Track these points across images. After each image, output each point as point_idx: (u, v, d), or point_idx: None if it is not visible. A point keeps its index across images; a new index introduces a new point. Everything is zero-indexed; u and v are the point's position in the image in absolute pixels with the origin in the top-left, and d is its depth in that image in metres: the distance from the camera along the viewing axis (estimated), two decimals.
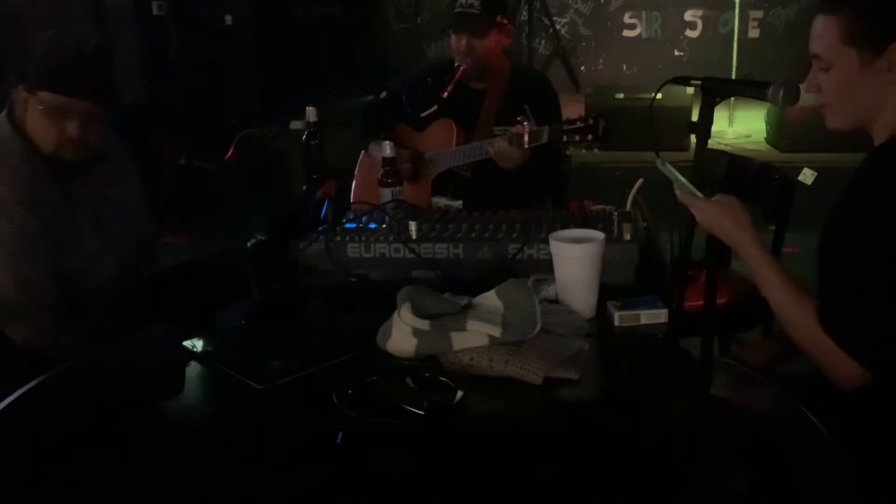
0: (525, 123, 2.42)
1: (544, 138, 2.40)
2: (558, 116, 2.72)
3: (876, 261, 1.48)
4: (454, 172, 2.75)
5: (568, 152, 2.45)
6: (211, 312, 2.33)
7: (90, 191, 2.15)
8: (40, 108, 1.98)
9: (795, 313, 1.58)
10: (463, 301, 1.65)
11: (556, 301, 1.78)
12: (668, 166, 1.77)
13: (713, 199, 1.72)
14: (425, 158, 2.79)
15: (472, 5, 2.69)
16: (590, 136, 2.32)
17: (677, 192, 1.78)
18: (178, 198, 5.03)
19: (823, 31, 1.59)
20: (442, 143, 2.77)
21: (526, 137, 2.42)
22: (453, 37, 2.76)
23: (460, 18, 2.72)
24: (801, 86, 1.68)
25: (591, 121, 2.33)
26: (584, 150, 2.38)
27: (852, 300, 1.50)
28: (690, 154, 1.86)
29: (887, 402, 1.51)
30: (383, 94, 2.94)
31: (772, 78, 1.77)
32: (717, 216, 1.70)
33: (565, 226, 2.01)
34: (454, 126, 2.76)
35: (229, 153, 5.14)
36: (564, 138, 2.36)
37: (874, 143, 1.61)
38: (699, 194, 1.74)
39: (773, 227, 2.39)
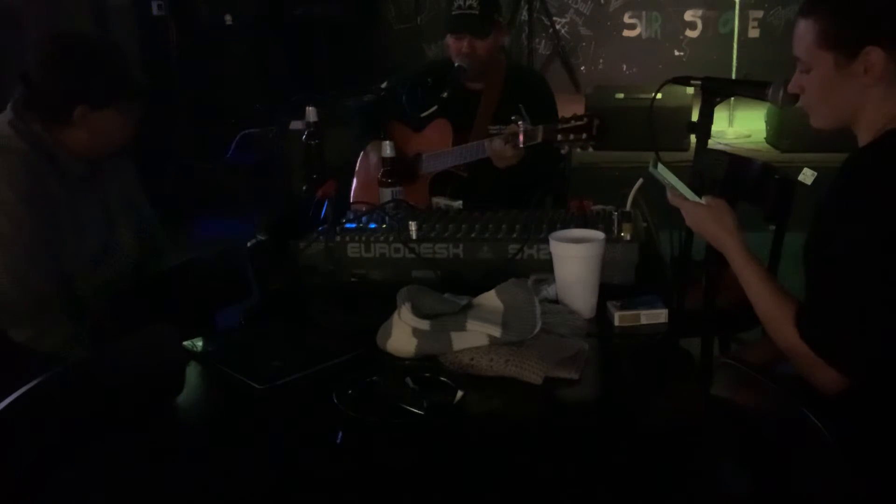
0: (520, 122, 2.42)
1: (539, 137, 2.39)
2: (554, 115, 2.71)
3: (852, 267, 1.48)
4: (452, 173, 2.75)
5: (563, 151, 2.45)
6: (211, 312, 2.33)
7: (94, 191, 2.15)
8: (120, 118, 2.07)
9: (775, 318, 1.58)
10: (463, 301, 1.65)
11: (556, 301, 1.78)
12: (661, 169, 1.77)
13: (702, 201, 1.73)
14: (423, 159, 2.79)
15: (470, 6, 2.68)
16: (584, 135, 2.31)
17: (669, 194, 1.79)
18: (178, 198, 5.04)
19: (802, 34, 1.59)
20: (439, 144, 2.77)
21: (521, 136, 2.42)
22: (451, 39, 2.74)
23: (461, 20, 2.70)
24: (789, 86, 1.69)
25: (585, 119, 2.32)
26: (579, 150, 2.37)
27: (829, 306, 1.50)
28: (690, 154, 1.86)
29: (885, 402, 1.51)
30: (382, 94, 2.94)
31: (772, 78, 1.77)
32: (704, 219, 1.72)
33: (565, 226, 2.01)
34: (450, 126, 2.75)
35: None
36: (559, 137, 2.35)
37: (858, 145, 1.61)
38: (691, 196, 1.75)
39: (773, 227, 2.39)
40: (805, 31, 1.58)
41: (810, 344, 1.50)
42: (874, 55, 1.51)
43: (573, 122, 2.33)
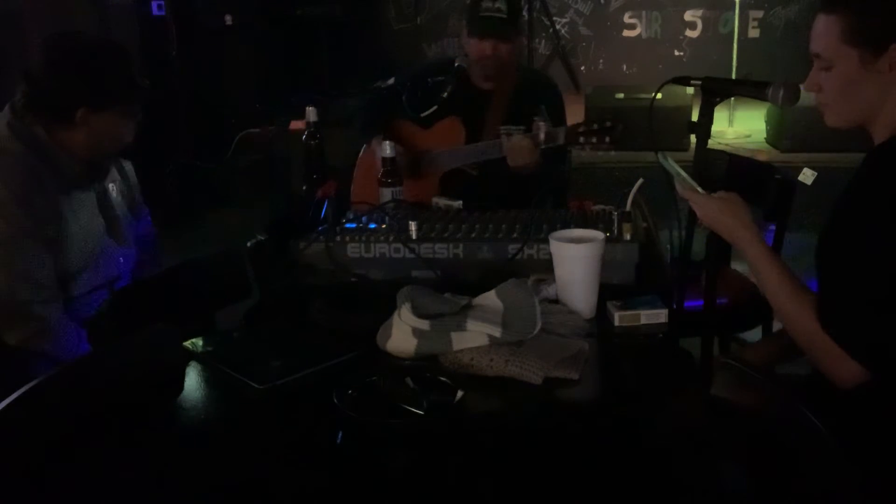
0: (541, 123, 2.42)
1: (561, 139, 2.40)
2: (563, 118, 2.73)
3: (875, 260, 1.48)
4: (462, 171, 2.75)
5: (583, 152, 2.46)
6: (211, 312, 2.33)
7: (92, 192, 2.15)
8: (120, 118, 2.06)
9: (795, 311, 1.57)
10: (463, 301, 1.65)
11: (556, 301, 1.78)
12: (670, 161, 1.77)
13: (715, 195, 1.72)
14: (433, 155, 2.78)
15: (498, 9, 2.64)
16: (607, 139, 2.33)
17: (678, 187, 1.78)
18: (178, 198, 5.04)
19: (824, 31, 1.58)
20: (448, 141, 2.76)
21: (542, 136, 2.42)
22: (474, 42, 2.70)
23: (489, 24, 2.66)
24: (802, 85, 1.68)
25: (608, 123, 2.33)
26: (599, 152, 2.39)
27: (851, 299, 1.50)
28: (690, 154, 1.86)
29: (887, 401, 1.51)
30: (387, 90, 2.94)
31: (772, 78, 1.77)
32: (718, 212, 1.70)
33: (565, 226, 2.01)
34: (461, 125, 2.75)
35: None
36: (581, 139, 2.36)
37: (874, 143, 1.61)
38: (700, 190, 1.74)
39: (773, 227, 2.39)
40: (828, 27, 1.57)
41: (833, 335, 1.49)
42: None
43: (594, 126, 2.34)
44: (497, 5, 2.65)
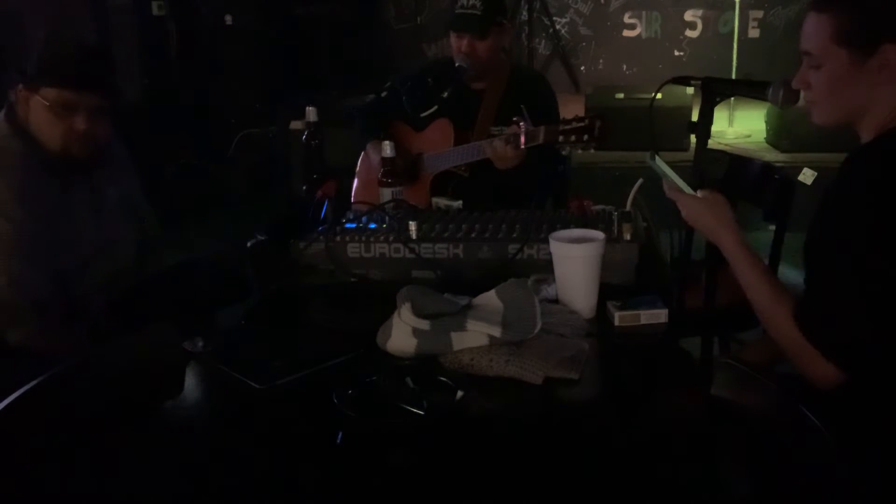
0: (521, 124, 2.41)
1: (540, 138, 2.39)
2: (556, 116, 2.71)
3: (852, 261, 1.48)
4: (453, 173, 2.75)
5: (564, 152, 2.44)
6: (211, 312, 2.33)
7: (91, 190, 2.15)
8: (45, 104, 1.97)
9: (772, 310, 1.58)
10: (463, 301, 1.65)
11: (556, 301, 1.78)
12: (659, 161, 1.78)
13: (699, 195, 1.73)
14: (423, 159, 2.79)
15: (473, 6, 2.69)
16: (586, 137, 2.31)
17: (665, 187, 1.79)
18: (178, 198, 5.03)
19: (815, 29, 1.58)
20: (440, 144, 2.77)
21: (522, 138, 2.41)
22: (453, 37, 2.75)
23: (461, 19, 2.71)
24: (792, 83, 1.68)
25: (587, 121, 2.32)
26: (580, 151, 2.37)
27: (828, 300, 1.51)
28: (690, 154, 1.86)
29: (886, 401, 1.51)
30: (384, 93, 2.94)
31: (772, 78, 1.77)
32: (700, 212, 1.72)
33: (565, 226, 2.01)
34: (452, 126, 2.76)
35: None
36: (561, 138, 2.35)
37: (861, 142, 1.61)
38: (688, 190, 1.75)
39: (773, 227, 2.39)
40: (819, 26, 1.56)
41: (808, 336, 1.50)
42: (892, 53, 1.51)
43: (574, 124, 2.33)
44: (472, 2, 2.68)
